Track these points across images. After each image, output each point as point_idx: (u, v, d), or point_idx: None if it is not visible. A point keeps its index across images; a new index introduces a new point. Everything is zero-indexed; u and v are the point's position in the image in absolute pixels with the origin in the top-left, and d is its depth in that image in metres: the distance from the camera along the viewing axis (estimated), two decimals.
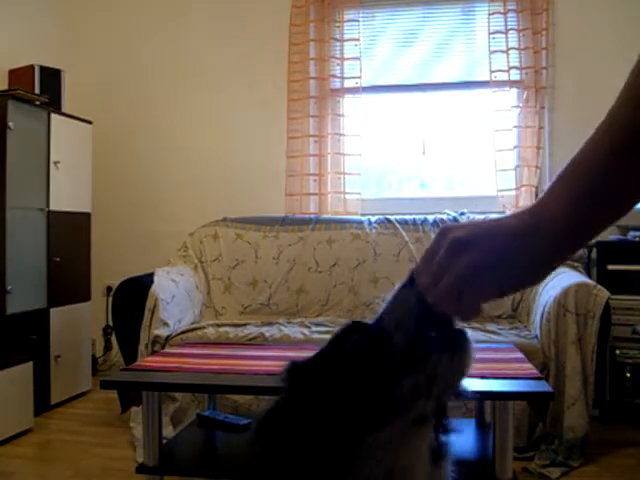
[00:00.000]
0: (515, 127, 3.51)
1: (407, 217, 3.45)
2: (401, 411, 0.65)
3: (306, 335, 2.79)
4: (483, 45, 3.59)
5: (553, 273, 0.59)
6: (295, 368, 0.73)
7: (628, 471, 2.36)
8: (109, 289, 3.94)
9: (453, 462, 0.70)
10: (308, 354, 0.77)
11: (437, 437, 0.69)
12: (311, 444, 0.67)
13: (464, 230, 0.63)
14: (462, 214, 3.44)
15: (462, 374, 0.67)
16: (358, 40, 3.71)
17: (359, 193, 3.72)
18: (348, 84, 3.74)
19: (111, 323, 3.80)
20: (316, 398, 0.68)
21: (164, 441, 2.13)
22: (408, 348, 0.65)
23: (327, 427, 0.66)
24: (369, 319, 0.73)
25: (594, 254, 3.24)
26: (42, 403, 3.13)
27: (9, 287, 3.00)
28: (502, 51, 3.51)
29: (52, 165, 3.30)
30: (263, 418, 0.72)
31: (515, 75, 3.51)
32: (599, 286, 2.52)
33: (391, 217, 3.47)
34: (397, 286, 0.69)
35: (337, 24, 3.74)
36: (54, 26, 4.00)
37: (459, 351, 0.66)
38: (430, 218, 3.43)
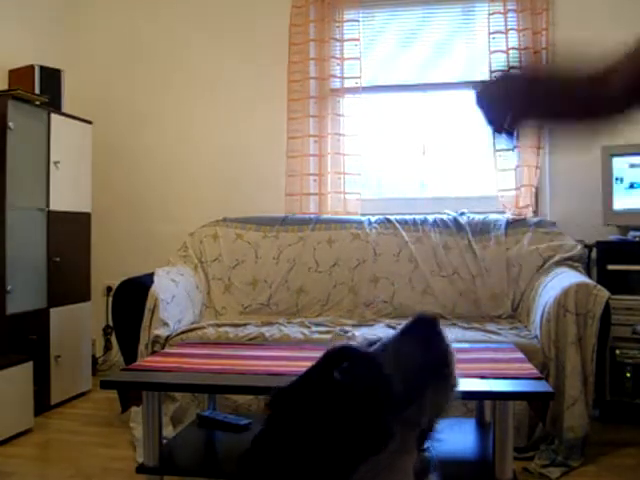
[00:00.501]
0: None
1: (407, 217, 3.45)
2: (394, 437, 0.68)
3: (306, 335, 2.79)
4: (483, 45, 3.59)
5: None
6: (279, 395, 0.74)
7: (628, 471, 2.36)
8: (109, 289, 3.94)
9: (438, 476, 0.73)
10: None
11: (421, 454, 0.71)
12: (298, 472, 0.68)
13: None
14: (462, 214, 3.44)
15: (447, 402, 0.70)
16: (358, 40, 3.71)
17: (359, 193, 3.72)
18: (348, 84, 3.74)
19: (111, 323, 3.80)
20: (301, 426, 0.69)
21: (164, 441, 2.13)
22: (406, 396, 0.67)
23: (316, 457, 0.68)
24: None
25: (594, 254, 3.25)
26: (42, 403, 3.13)
27: (9, 287, 3.00)
28: (502, 51, 3.51)
29: (52, 165, 3.30)
30: (248, 449, 0.73)
31: None
32: (599, 286, 2.52)
33: (391, 217, 3.47)
34: (402, 328, 0.71)
35: (337, 24, 3.74)
36: (54, 26, 4.00)
37: (444, 382, 0.69)
38: (430, 218, 3.43)
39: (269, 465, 0.70)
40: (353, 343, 0.75)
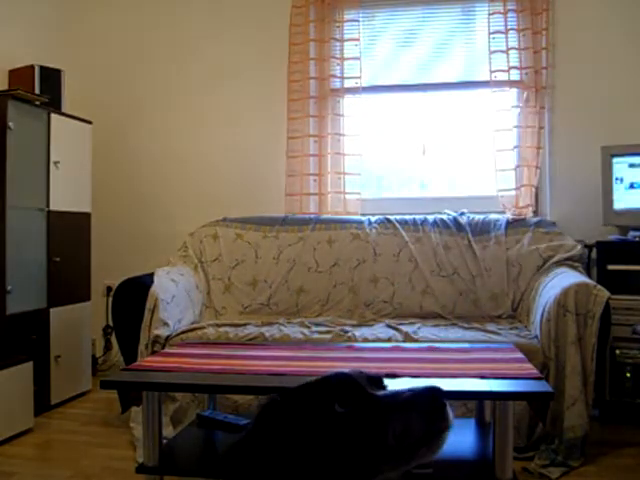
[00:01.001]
0: (515, 127, 3.51)
1: (407, 217, 3.46)
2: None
3: (306, 335, 2.79)
4: (483, 45, 3.59)
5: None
6: (272, 404, 0.76)
7: (628, 471, 2.36)
8: (109, 289, 3.94)
9: None
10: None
11: None
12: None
13: None
14: (462, 214, 3.44)
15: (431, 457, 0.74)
16: (358, 40, 3.71)
17: (359, 193, 3.71)
18: (348, 84, 3.74)
19: (111, 323, 3.81)
20: (290, 441, 0.72)
21: (164, 441, 2.14)
22: (397, 450, 0.71)
23: (295, 473, 0.70)
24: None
25: (594, 254, 3.25)
26: (42, 403, 3.13)
27: (9, 287, 3.00)
28: (502, 51, 3.50)
29: (52, 165, 3.30)
30: (233, 447, 0.75)
31: (515, 75, 3.51)
32: (599, 286, 2.52)
33: (391, 217, 3.47)
34: (410, 393, 0.73)
35: (337, 24, 3.74)
36: (54, 26, 4.00)
37: (434, 446, 0.73)
38: (430, 218, 3.43)
39: (251, 466, 0.72)
40: (358, 376, 0.77)
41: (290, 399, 0.74)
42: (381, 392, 0.74)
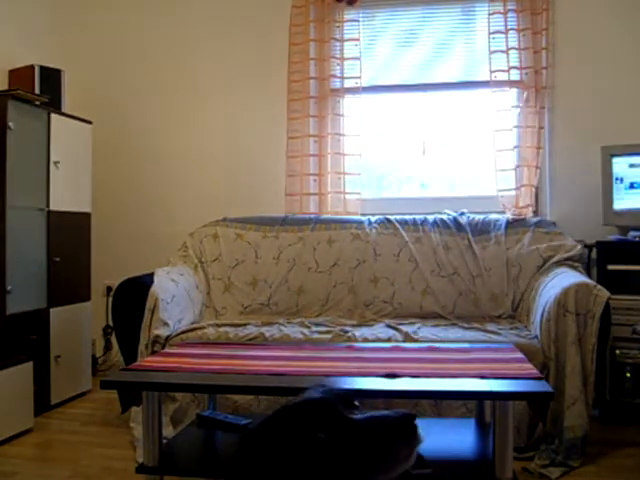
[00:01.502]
0: (515, 127, 3.51)
1: (407, 217, 3.46)
2: None
3: (306, 335, 2.79)
4: (483, 45, 3.59)
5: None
6: (256, 434, 0.78)
7: (628, 471, 2.36)
8: (109, 289, 3.94)
9: None
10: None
11: None
12: None
13: None
14: (462, 214, 3.44)
15: None
16: (358, 40, 3.72)
17: (359, 193, 3.72)
18: (348, 84, 3.74)
19: (111, 323, 3.81)
20: (272, 468, 0.73)
21: (164, 441, 2.14)
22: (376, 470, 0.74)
23: None
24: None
25: (594, 254, 3.25)
26: (42, 403, 3.13)
27: (9, 287, 3.00)
28: (502, 51, 3.51)
29: (52, 165, 3.30)
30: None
31: (515, 75, 3.51)
32: (599, 286, 2.52)
33: (391, 217, 3.47)
34: (385, 418, 0.76)
35: (337, 24, 3.74)
36: (54, 26, 4.00)
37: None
38: (430, 218, 3.43)
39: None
40: (330, 397, 0.78)
41: (270, 429, 0.76)
42: (357, 415, 0.76)
